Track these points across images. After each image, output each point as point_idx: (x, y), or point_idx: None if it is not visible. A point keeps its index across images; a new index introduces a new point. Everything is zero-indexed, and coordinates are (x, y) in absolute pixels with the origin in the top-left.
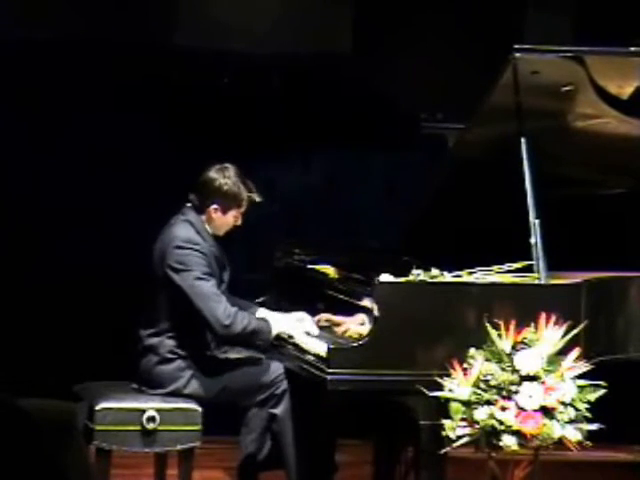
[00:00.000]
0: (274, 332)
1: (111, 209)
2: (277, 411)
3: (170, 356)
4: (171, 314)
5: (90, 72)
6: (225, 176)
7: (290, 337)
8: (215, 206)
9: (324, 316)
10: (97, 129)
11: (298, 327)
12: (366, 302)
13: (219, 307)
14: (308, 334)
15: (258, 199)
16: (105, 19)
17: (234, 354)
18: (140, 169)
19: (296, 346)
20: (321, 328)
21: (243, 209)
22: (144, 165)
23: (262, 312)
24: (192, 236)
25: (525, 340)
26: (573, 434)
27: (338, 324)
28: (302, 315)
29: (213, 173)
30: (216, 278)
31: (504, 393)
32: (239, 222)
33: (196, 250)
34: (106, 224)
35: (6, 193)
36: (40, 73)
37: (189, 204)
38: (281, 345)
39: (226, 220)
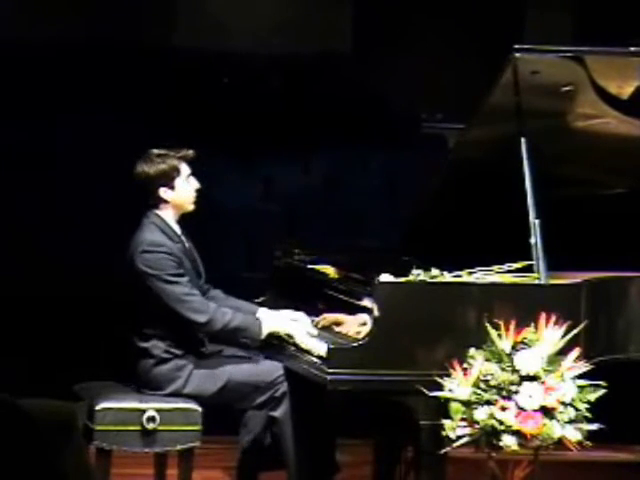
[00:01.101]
0: (265, 330)
1: (111, 209)
2: (277, 414)
3: (166, 356)
4: (154, 317)
5: (89, 72)
6: (147, 161)
7: (290, 337)
8: (162, 189)
9: (326, 317)
10: (96, 129)
11: (293, 325)
12: (366, 302)
13: (192, 306)
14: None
15: (190, 152)
16: (104, 19)
17: (230, 352)
18: None
19: (296, 346)
20: (322, 328)
21: (185, 171)
22: None
23: (262, 311)
24: (157, 238)
25: (525, 340)
26: (573, 434)
27: (340, 323)
28: (299, 315)
29: (138, 167)
30: (190, 274)
31: (504, 393)
32: (196, 185)
33: (162, 252)
34: (107, 224)
35: (5, 192)
36: (39, 73)
37: (149, 206)
38: (281, 345)
39: (180, 192)
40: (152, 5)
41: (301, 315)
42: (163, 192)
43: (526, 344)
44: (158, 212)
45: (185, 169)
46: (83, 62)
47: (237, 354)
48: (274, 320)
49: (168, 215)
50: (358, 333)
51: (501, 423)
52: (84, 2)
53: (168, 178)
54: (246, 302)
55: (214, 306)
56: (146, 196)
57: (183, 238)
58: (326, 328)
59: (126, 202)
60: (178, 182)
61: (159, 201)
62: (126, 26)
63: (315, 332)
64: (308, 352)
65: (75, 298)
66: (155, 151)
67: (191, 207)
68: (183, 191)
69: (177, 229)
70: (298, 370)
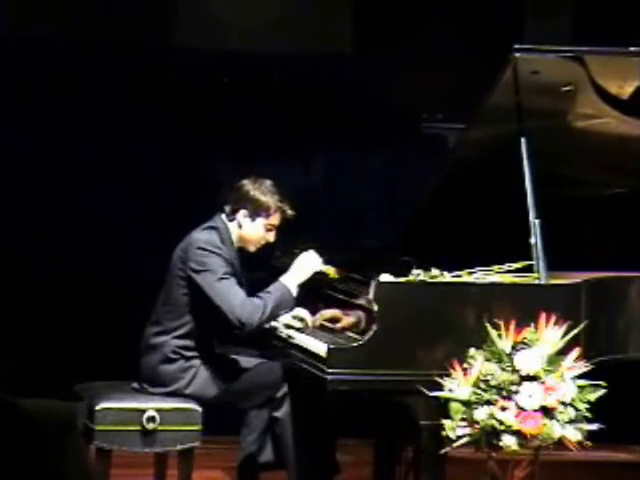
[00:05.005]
0: (293, 289)
1: (110, 208)
2: (278, 414)
3: (173, 356)
4: (181, 315)
5: (89, 72)
6: (256, 182)
7: (290, 337)
8: (244, 212)
9: (323, 313)
10: (96, 129)
11: (313, 265)
12: (365, 302)
13: (236, 306)
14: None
15: (290, 212)
16: (104, 19)
17: (232, 352)
18: (139, 169)
19: (296, 346)
20: (321, 327)
21: (274, 220)
22: (143, 165)
23: (283, 278)
24: (215, 240)
25: (525, 340)
26: (573, 434)
27: (338, 318)
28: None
29: (245, 181)
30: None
31: (504, 393)
32: (271, 237)
33: (217, 253)
34: (105, 224)
35: (6, 192)
36: (39, 73)
37: (222, 213)
38: (281, 345)
39: (255, 229)
40: (152, 5)
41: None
42: (242, 215)
43: (526, 344)
44: (227, 222)
45: (274, 219)
46: (83, 62)
47: (239, 355)
48: (296, 277)
49: (234, 232)
50: (355, 326)
51: (501, 423)
52: (84, 2)
53: (255, 208)
54: None
55: (249, 303)
56: (229, 203)
57: (237, 257)
58: (325, 327)
59: (126, 201)
60: (259, 220)
61: (234, 215)
62: (126, 26)
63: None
64: (308, 352)
65: (76, 298)
66: (268, 182)
67: (251, 249)
68: (256, 231)
69: (235, 247)
70: (298, 370)
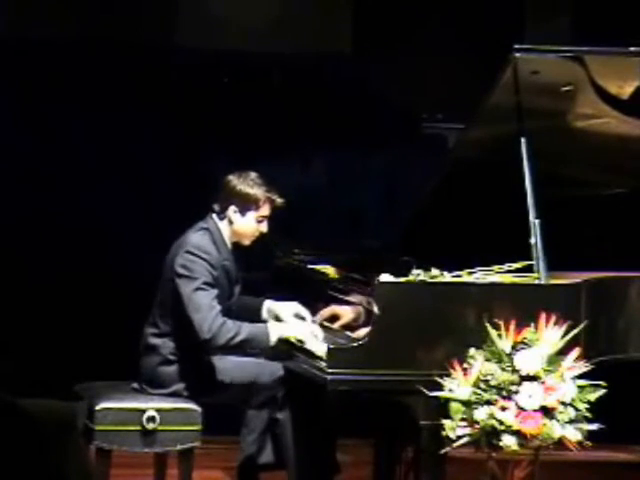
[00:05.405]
0: (273, 337)
1: (110, 208)
2: (278, 415)
3: (172, 358)
4: (175, 316)
5: (89, 72)
6: (241, 177)
7: (300, 342)
8: (233, 208)
9: (322, 313)
10: (96, 129)
11: (301, 330)
12: (365, 302)
13: (207, 319)
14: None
15: (279, 200)
16: (104, 19)
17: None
18: (139, 169)
19: (296, 346)
20: (321, 327)
21: (264, 211)
22: (143, 165)
23: (268, 303)
24: (205, 244)
25: (525, 340)
26: (573, 434)
27: (337, 315)
28: (296, 307)
29: (230, 176)
30: (221, 290)
31: (504, 393)
32: (264, 228)
33: (204, 259)
34: (105, 224)
35: (7, 192)
36: (39, 73)
37: (213, 213)
38: (282, 346)
39: (247, 223)
40: (152, 5)
41: (304, 310)
42: (232, 211)
43: (526, 344)
44: (218, 222)
45: (265, 210)
46: (83, 62)
47: (239, 355)
48: (282, 327)
49: (226, 230)
50: (355, 321)
51: (501, 423)
52: (84, 2)
53: (244, 202)
54: (253, 297)
55: (222, 322)
56: (217, 202)
57: (231, 257)
58: (325, 327)
59: (125, 201)
60: (249, 214)
61: (224, 214)
62: (126, 26)
63: (321, 334)
64: (308, 352)
65: (76, 298)
66: (253, 175)
67: (246, 242)
68: (248, 224)
69: (229, 245)
70: (298, 370)
